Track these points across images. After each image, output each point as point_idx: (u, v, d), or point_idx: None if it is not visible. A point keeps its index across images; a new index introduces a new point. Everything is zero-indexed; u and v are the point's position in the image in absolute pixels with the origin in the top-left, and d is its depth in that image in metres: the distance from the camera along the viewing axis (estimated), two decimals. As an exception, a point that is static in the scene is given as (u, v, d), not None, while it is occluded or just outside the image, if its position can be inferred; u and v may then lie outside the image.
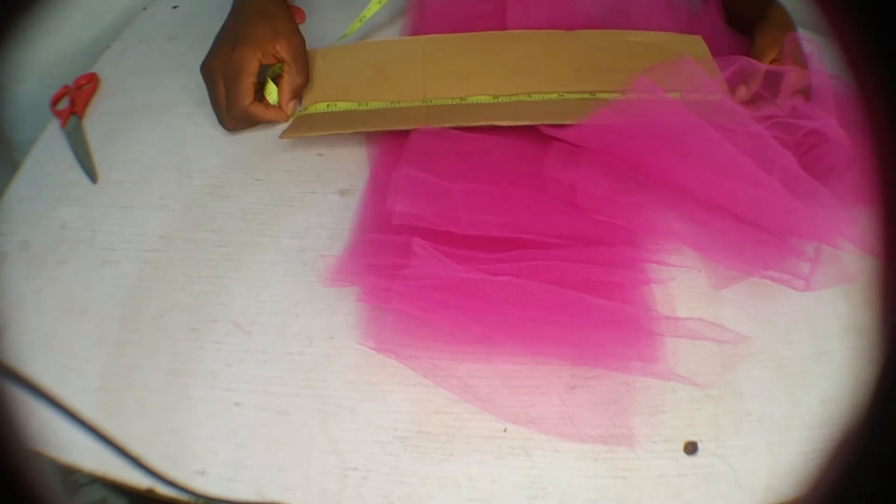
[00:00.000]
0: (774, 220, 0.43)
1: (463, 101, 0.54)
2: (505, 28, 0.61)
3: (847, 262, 0.42)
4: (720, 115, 0.45)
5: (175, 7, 0.72)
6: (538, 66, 0.57)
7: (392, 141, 0.52)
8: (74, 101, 0.61)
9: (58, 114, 0.60)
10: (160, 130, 0.58)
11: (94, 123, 0.59)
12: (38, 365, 0.43)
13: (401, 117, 0.53)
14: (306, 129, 0.54)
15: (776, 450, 0.37)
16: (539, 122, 0.50)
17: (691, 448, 0.37)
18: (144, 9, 0.73)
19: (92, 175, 0.54)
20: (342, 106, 0.55)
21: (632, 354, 0.39)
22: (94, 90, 0.62)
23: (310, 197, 0.52)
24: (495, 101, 0.54)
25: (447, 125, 0.51)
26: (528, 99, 0.54)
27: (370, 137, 0.54)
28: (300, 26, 0.57)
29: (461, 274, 0.40)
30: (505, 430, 0.38)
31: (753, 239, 0.43)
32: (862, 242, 0.40)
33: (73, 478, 0.64)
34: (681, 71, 0.48)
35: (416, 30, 0.64)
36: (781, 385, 0.40)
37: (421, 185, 0.46)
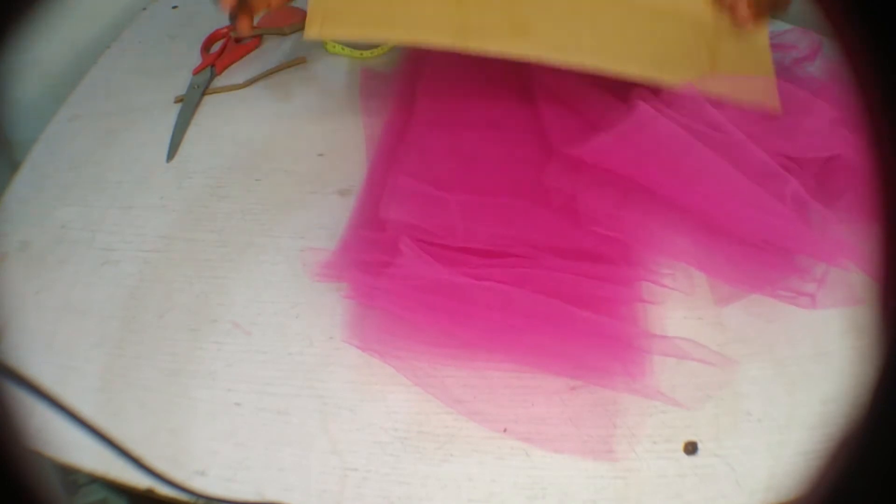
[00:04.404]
0: (782, 244, 0.42)
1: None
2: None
3: (855, 284, 0.41)
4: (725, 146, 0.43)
5: (175, 7, 0.72)
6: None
7: (391, 137, 0.52)
8: (226, 50, 0.56)
9: (203, 57, 0.55)
10: (160, 130, 0.58)
11: (94, 123, 0.59)
12: (38, 365, 0.43)
13: (432, 24, 0.45)
14: (332, 22, 0.45)
15: (776, 450, 0.37)
16: (606, 67, 0.42)
17: (691, 448, 0.37)
18: (144, 9, 0.73)
19: (171, 152, 0.51)
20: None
21: (615, 369, 0.38)
22: (249, 50, 0.58)
23: (310, 197, 0.52)
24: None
25: (487, 47, 0.43)
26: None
27: (371, 135, 0.54)
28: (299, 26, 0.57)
29: (445, 276, 0.40)
30: (505, 430, 0.38)
31: (758, 260, 0.42)
32: (869, 267, 0.39)
33: (73, 478, 0.64)
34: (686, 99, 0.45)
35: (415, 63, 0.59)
36: (781, 385, 0.40)
37: (417, 195, 0.45)
